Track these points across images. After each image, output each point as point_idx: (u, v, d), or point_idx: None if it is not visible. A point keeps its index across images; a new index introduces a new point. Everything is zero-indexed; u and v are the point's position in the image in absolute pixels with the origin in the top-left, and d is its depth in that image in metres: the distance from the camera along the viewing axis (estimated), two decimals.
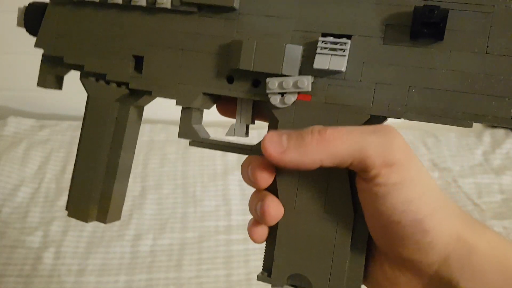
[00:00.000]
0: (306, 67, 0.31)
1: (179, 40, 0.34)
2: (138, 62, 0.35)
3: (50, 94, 0.39)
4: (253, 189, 0.33)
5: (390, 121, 0.31)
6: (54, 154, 1.08)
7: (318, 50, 0.30)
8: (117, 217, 0.39)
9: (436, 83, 0.29)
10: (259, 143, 0.32)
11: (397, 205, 0.27)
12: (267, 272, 0.33)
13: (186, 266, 0.84)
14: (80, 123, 0.37)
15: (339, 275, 0.31)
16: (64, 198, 0.96)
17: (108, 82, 0.36)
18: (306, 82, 0.30)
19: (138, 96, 0.36)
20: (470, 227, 0.29)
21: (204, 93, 0.34)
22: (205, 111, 0.37)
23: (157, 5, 0.33)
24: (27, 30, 0.38)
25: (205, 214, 0.96)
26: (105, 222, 0.37)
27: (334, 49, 0.30)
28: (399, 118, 0.30)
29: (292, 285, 0.32)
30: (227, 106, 0.36)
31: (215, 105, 0.37)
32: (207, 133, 0.36)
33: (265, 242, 0.33)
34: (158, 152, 1.11)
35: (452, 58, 0.29)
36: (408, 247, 0.28)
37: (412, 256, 0.28)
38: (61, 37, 0.36)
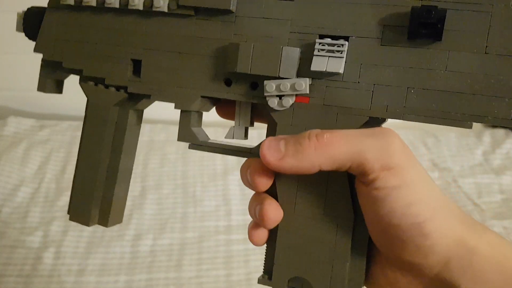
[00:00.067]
0: (304, 69, 0.31)
1: (176, 43, 0.34)
2: (136, 66, 0.35)
3: (50, 94, 0.39)
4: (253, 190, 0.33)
5: (390, 120, 0.31)
6: (54, 154, 1.08)
7: (316, 52, 0.30)
8: (119, 220, 0.39)
9: (435, 84, 0.29)
10: (258, 145, 0.32)
11: (397, 209, 0.27)
12: (267, 275, 0.33)
13: (186, 266, 0.84)
14: (80, 123, 0.38)
15: (340, 277, 0.31)
16: (64, 198, 0.96)
17: (107, 86, 0.36)
18: (304, 85, 0.30)
19: (137, 100, 0.36)
20: (471, 229, 0.29)
21: (202, 96, 0.33)
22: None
23: (154, 9, 0.33)
24: (26, 35, 0.38)
25: (205, 214, 0.96)
26: (106, 226, 0.37)
27: (332, 51, 0.30)
28: (398, 119, 0.30)
29: None
30: (226, 108, 0.36)
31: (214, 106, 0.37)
32: (206, 135, 0.36)
33: (265, 245, 0.33)
34: (158, 152, 1.11)
35: (450, 59, 0.28)
36: (408, 250, 0.28)
37: (413, 259, 0.28)
38: (59, 41, 0.36)
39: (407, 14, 0.29)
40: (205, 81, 0.33)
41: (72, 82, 0.40)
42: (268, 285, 0.33)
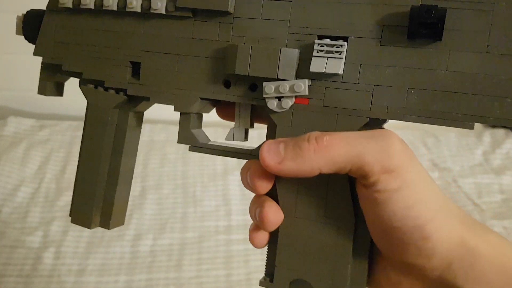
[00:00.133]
0: (303, 70, 0.30)
1: (175, 45, 0.33)
2: (136, 68, 0.35)
3: None
4: None
5: (389, 120, 0.31)
6: (54, 154, 1.08)
7: (314, 53, 0.30)
8: (121, 222, 0.39)
9: (435, 84, 0.28)
10: (259, 147, 0.32)
11: (398, 211, 0.27)
12: (269, 277, 0.33)
13: (186, 266, 0.84)
14: (80, 123, 0.38)
15: (341, 280, 0.31)
16: (64, 198, 0.96)
17: (106, 89, 0.36)
18: (303, 86, 0.30)
19: (137, 102, 0.36)
20: (472, 230, 0.28)
21: (201, 98, 0.33)
22: None
23: (151, 11, 0.33)
24: (26, 38, 0.38)
25: (205, 214, 0.96)
26: (108, 228, 0.37)
27: (331, 52, 0.29)
28: (399, 120, 0.30)
29: None
30: (226, 109, 0.36)
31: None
32: (206, 137, 0.36)
33: (266, 247, 0.33)
34: (158, 152, 1.11)
35: (451, 59, 0.28)
36: (410, 252, 0.28)
37: (415, 261, 0.28)
38: (59, 44, 0.36)
39: (407, 13, 0.28)
40: (204, 83, 0.33)
41: (72, 82, 0.40)
42: None
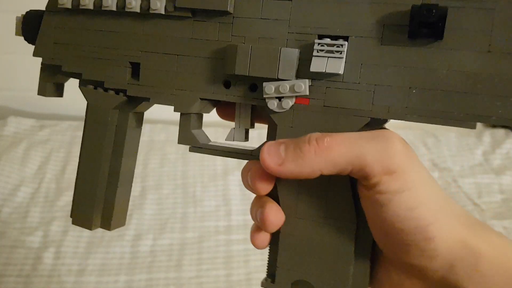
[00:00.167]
0: (303, 70, 0.30)
1: (174, 45, 0.33)
2: (135, 69, 0.35)
3: None
4: None
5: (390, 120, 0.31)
6: (54, 154, 1.08)
7: (315, 53, 0.29)
8: (122, 223, 0.39)
9: (437, 83, 0.28)
10: (259, 147, 0.32)
11: (400, 213, 0.27)
12: (271, 278, 0.33)
13: (186, 266, 0.84)
14: (80, 123, 0.38)
15: (344, 280, 0.31)
16: (64, 198, 0.96)
17: (106, 90, 0.36)
18: (303, 86, 0.30)
19: (137, 103, 0.36)
20: (475, 231, 0.28)
21: (201, 99, 0.33)
22: None
23: (151, 11, 0.33)
24: (25, 39, 0.38)
25: (205, 214, 0.96)
26: (109, 229, 0.37)
27: (331, 51, 0.29)
28: (400, 120, 0.29)
29: None
30: (226, 109, 0.36)
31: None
32: (207, 137, 0.35)
33: (268, 247, 0.33)
34: (158, 152, 1.11)
35: (453, 58, 0.27)
36: (412, 253, 0.28)
37: (417, 262, 0.28)
38: (58, 45, 0.36)
39: (407, 12, 0.28)
40: (204, 83, 0.33)
41: (72, 82, 0.40)
42: None
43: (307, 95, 0.30)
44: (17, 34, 0.38)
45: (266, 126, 0.33)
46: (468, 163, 1.14)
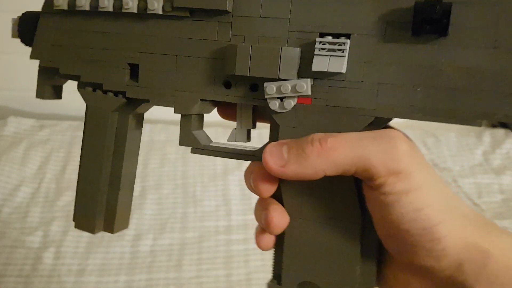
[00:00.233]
0: (305, 69, 0.29)
1: (173, 46, 0.33)
2: (134, 70, 0.34)
3: None
4: None
5: None
6: (54, 154, 1.08)
7: (316, 52, 0.29)
8: (125, 225, 0.38)
9: (441, 81, 0.27)
10: (262, 148, 0.32)
11: (406, 214, 0.26)
12: (276, 280, 0.32)
13: (186, 266, 0.83)
14: (80, 123, 0.37)
15: (350, 281, 0.30)
16: (64, 198, 0.96)
17: (105, 92, 0.35)
18: (305, 86, 0.29)
19: (136, 104, 0.35)
20: (484, 231, 0.28)
21: (202, 99, 0.33)
22: None
23: (148, 11, 0.32)
24: (22, 41, 0.37)
25: (205, 214, 0.96)
26: (112, 232, 0.37)
27: (333, 50, 0.28)
28: (405, 119, 0.29)
29: None
30: (227, 109, 0.35)
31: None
32: (208, 138, 0.35)
33: (273, 249, 0.33)
34: (158, 152, 1.11)
35: (458, 55, 0.27)
36: (419, 254, 0.27)
37: (424, 262, 0.28)
38: (55, 47, 0.36)
39: (411, 9, 0.27)
40: (204, 84, 0.32)
41: (71, 82, 0.40)
42: None
43: (309, 94, 0.30)
44: (13, 36, 0.37)
45: (267, 125, 0.33)
46: (468, 163, 1.14)
